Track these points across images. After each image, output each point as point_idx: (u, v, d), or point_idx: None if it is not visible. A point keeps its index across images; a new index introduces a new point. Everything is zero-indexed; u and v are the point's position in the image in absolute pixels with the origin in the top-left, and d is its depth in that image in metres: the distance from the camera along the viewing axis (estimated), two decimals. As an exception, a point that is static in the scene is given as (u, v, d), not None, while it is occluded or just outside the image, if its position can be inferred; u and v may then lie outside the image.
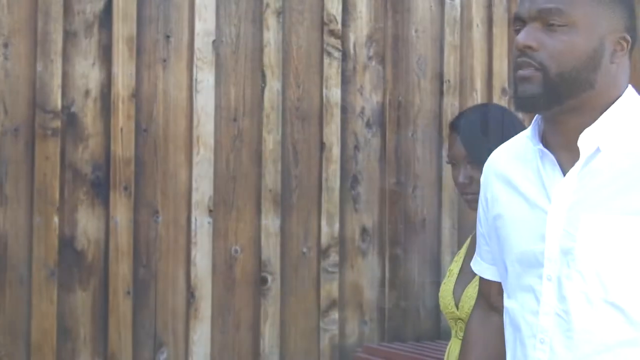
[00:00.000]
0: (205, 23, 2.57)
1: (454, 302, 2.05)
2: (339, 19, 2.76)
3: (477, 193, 1.95)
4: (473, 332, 1.74)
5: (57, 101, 2.38)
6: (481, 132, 2.03)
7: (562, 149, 1.43)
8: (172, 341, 2.52)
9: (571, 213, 1.39)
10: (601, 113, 1.41)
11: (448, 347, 2.11)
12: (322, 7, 2.75)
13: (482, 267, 1.68)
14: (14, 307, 2.34)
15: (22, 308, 2.35)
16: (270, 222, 2.64)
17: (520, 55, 1.39)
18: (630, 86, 1.46)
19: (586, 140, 1.39)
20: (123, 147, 2.45)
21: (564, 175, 1.42)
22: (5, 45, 2.35)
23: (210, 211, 2.56)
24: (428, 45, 2.92)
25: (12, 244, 2.34)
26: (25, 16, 2.37)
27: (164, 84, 2.53)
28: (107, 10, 2.46)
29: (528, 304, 1.44)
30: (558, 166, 1.43)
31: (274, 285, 2.64)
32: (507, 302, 1.52)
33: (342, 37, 2.77)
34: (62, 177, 2.40)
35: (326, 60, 2.74)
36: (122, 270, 2.44)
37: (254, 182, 2.63)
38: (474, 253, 2.07)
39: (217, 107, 2.59)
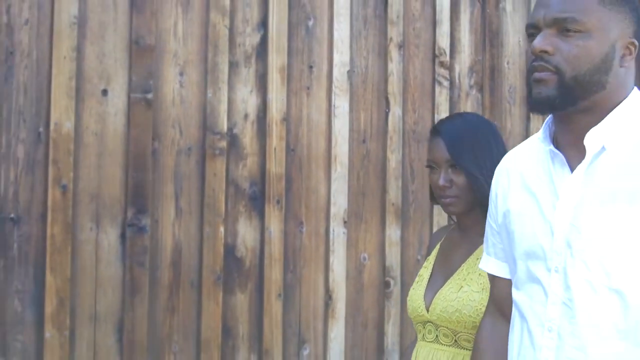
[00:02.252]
0: (341, 55, 2.89)
1: (424, 305, 2.06)
2: (447, 51, 3.11)
3: (455, 197, 2.03)
4: (483, 339, 1.76)
5: (224, 124, 2.67)
6: (464, 138, 2.06)
7: (571, 148, 1.48)
8: (313, 339, 2.82)
9: (577, 208, 1.44)
10: (609, 113, 1.45)
11: (415, 350, 2.13)
12: (434, 41, 3.09)
13: (496, 265, 1.69)
14: (186, 308, 2.61)
15: (193, 309, 2.62)
16: (393, 232, 2.96)
17: (536, 60, 1.44)
18: (635, 88, 1.51)
19: (592, 139, 1.43)
20: (276, 165, 2.75)
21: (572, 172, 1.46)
22: (181, 74, 2.62)
23: (345, 222, 2.88)
24: (517, 75, 3.29)
25: (185, 252, 2.62)
26: (197, 48, 2.65)
27: (307, 109, 2.84)
28: (263, 43, 2.76)
29: (536, 296, 1.48)
30: (567, 165, 1.47)
31: (395, 288, 2.96)
32: (515, 295, 1.56)
33: (450, 68, 3.12)
34: (227, 192, 2.68)
35: (437, 89, 3.08)
36: (274, 275, 2.74)
37: (379, 197, 2.96)
38: (444, 260, 2.12)
39: (350, 130, 2.90)
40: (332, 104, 2.87)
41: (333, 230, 2.85)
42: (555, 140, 1.51)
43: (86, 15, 2.50)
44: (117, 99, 2.52)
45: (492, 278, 1.72)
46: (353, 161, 2.91)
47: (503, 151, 2.04)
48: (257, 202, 2.73)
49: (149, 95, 2.55)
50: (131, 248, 2.52)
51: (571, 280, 1.42)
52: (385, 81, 2.98)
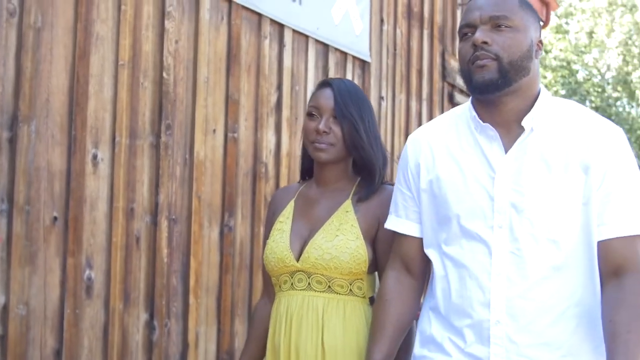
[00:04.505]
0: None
1: (293, 255, 2.13)
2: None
3: (330, 144, 2.15)
4: (389, 290, 1.93)
5: (262, 156, 3.87)
6: (351, 93, 2.21)
7: (498, 126, 1.75)
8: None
9: (516, 176, 1.70)
10: (532, 98, 1.74)
11: (279, 301, 2.18)
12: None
13: (407, 225, 1.89)
14: (244, 284, 3.74)
15: (247, 284, 3.76)
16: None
17: (477, 50, 1.71)
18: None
19: (528, 121, 1.72)
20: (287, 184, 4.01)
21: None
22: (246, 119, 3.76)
23: (310, 224, 4.23)
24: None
25: (247, 243, 3.74)
26: (252, 103, 3.81)
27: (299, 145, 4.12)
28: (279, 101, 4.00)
29: (477, 248, 1.72)
30: (499, 140, 1.74)
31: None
32: (447, 249, 1.78)
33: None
34: (265, 203, 3.87)
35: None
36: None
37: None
38: (304, 214, 2.21)
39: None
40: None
41: (306, 230, 4.18)
42: (480, 118, 1.77)
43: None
44: (219, 137, 3.58)
45: (400, 237, 1.93)
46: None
47: (375, 118, 2.25)
48: (275, 209, 3.95)
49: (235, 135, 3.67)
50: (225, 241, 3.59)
51: (517, 233, 1.70)
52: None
